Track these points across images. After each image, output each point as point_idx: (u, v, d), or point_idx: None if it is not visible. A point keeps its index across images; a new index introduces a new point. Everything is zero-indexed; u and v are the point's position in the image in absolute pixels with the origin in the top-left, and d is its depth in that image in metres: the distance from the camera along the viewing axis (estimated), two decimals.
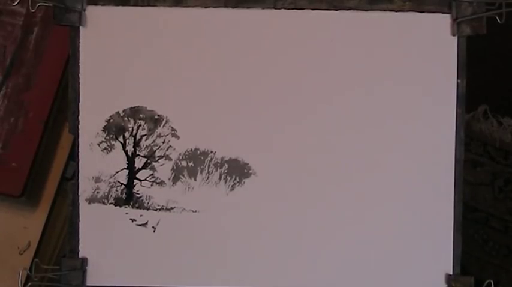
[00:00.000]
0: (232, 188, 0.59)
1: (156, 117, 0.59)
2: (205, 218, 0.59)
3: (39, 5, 0.57)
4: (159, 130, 0.59)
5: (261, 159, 0.59)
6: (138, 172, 0.60)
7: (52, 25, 0.68)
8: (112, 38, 0.59)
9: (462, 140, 0.59)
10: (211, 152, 0.59)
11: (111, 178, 0.59)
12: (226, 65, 0.59)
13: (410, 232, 0.59)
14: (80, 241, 0.59)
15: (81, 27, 0.59)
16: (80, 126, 0.59)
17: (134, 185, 0.60)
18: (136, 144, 0.60)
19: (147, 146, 0.60)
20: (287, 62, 0.59)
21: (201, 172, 0.59)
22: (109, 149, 0.59)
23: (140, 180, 0.60)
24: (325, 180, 0.59)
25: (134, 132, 0.59)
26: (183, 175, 0.60)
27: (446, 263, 0.59)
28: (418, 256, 0.59)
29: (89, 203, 0.59)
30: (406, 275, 0.59)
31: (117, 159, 0.59)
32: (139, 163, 0.60)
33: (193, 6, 0.59)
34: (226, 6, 0.59)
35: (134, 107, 0.59)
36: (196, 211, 0.59)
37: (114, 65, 0.59)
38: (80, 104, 0.59)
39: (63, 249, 0.71)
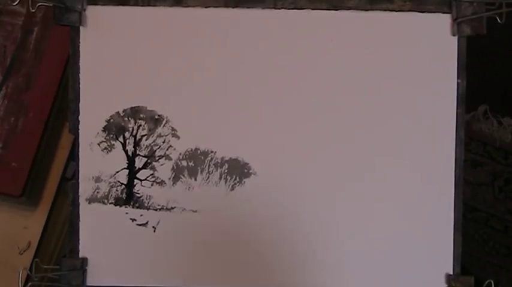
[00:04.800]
0: (233, 188, 0.59)
1: (156, 117, 0.59)
2: (205, 218, 0.59)
3: (39, 5, 0.57)
4: (159, 130, 0.59)
5: (261, 159, 0.59)
6: (138, 171, 0.60)
7: (52, 25, 0.68)
8: (112, 38, 0.59)
9: (462, 140, 0.59)
10: (212, 152, 0.59)
11: (111, 177, 0.59)
12: (226, 65, 0.59)
13: (410, 232, 0.59)
14: (80, 241, 0.59)
15: (81, 27, 0.59)
16: (80, 126, 0.59)
17: (134, 185, 0.60)
18: (136, 144, 0.60)
19: (147, 146, 0.60)
20: (287, 62, 0.59)
21: (201, 172, 0.59)
22: (109, 149, 0.59)
23: (140, 180, 0.60)
24: (325, 180, 0.59)
25: (134, 132, 0.60)
26: (183, 175, 0.60)
27: (446, 263, 0.59)
28: (418, 256, 0.59)
29: (89, 203, 0.59)
30: (406, 275, 0.59)
31: (117, 159, 0.59)
32: (139, 162, 0.60)
33: (193, 6, 0.59)
34: (226, 6, 0.59)
35: (134, 107, 0.59)
36: (196, 211, 0.60)
37: (114, 65, 0.59)
38: (80, 104, 0.59)
39: (63, 249, 0.71)
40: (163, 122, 0.59)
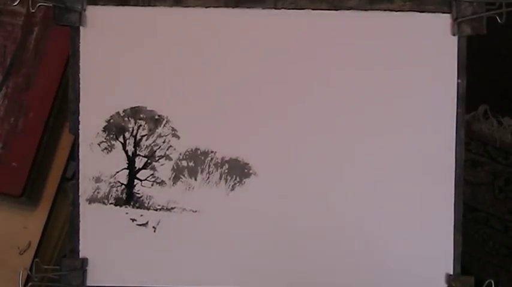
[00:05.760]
0: (233, 188, 0.59)
1: (157, 117, 0.59)
2: (205, 218, 0.59)
3: (39, 5, 0.57)
4: (159, 130, 0.59)
5: (261, 159, 0.59)
6: (139, 172, 0.60)
7: (52, 25, 0.68)
8: (112, 38, 0.59)
9: (462, 140, 0.59)
10: (212, 152, 0.59)
11: (111, 178, 0.59)
12: (226, 65, 0.59)
13: (410, 232, 0.59)
14: (80, 241, 0.59)
15: (81, 27, 0.59)
16: (80, 126, 0.59)
17: (134, 185, 0.60)
18: (136, 144, 0.60)
19: (147, 146, 0.60)
20: (287, 62, 0.59)
21: (202, 172, 0.59)
22: (109, 149, 0.59)
23: (140, 180, 0.60)
24: (325, 180, 0.59)
25: (134, 132, 0.59)
26: (184, 175, 0.60)
27: (446, 263, 0.59)
28: (418, 256, 0.59)
29: (89, 203, 0.59)
30: (406, 275, 0.59)
31: (118, 159, 0.59)
32: (139, 163, 0.60)
33: (193, 6, 0.59)
34: (226, 6, 0.59)
35: (134, 107, 0.59)
36: (196, 211, 0.60)
37: (114, 65, 0.59)
38: (80, 104, 0.59)
39: (64, 249, 0.71)
40: (164, 122, 0.59)
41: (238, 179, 0.59)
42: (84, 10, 0.59)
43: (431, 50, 0.59)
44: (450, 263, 0.59)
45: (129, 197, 0.60)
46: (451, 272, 0.59)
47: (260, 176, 0.59)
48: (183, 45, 0.59)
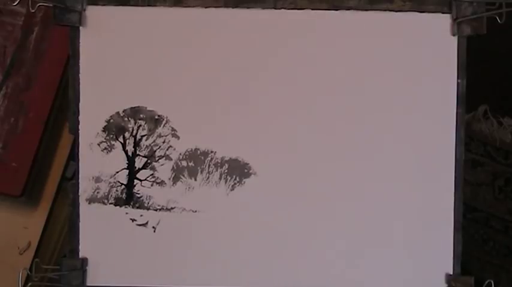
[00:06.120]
0: (233, 188, 0.59)
1: (156, 117, 0.59)
2: (205, 218, 0.59)
3: (39, 5, 0.57)
4: (159, 130, 0.59)
5: (261, 159, 0.59)
6: (138, 172, 0.60)
7: (52, 25, 0.68)
8: (112, 38, 0.59)
9: (462, 140, 0.59)
10: (212, 152, 0.59)
11: (111, 178, 0.59)
12: (226, 65, 0.59)
13: (410, 232, 0.59)
14: (80, 241, 0.59)
15: (81, 27, 0.59)
16: (80, 127, 0.59)
17: (134, 185, 0.60)
18: (136, 144, 0.60)
19: (147, 146, 0.60)
20: (287, 62, 0.59)
21: (201, 172, 0.59)
22: (109, 149, 0.59)
23: (140, 180, 0.60)
24: (325, 180, 0.59)
25: (134, 132, 0.60)
26: (183, 175, 0.60)
27: (446, 263, 0.59)
28: (418, 256, 0.59)
29: (89, 203, 0.59)
30: (406, 275, 0.59)
31: (117, 159, 0.59)
32: (139, 163, 0.60)
33: (193, 6, 0.59)
34: (226, 6, 0.59)
35: (134, 107, 0.59)
36: (196, 211, 0.60)
37: (114, 65, 0.59)
38: (80, 104, 0.59)
39: (63, 249, 0.71)
40: (163, 122, 0.59)
41: (238, 179, 0.59)
42: (84, 10, 0.59)
43: (431, 50, 0.59)
44: (450, 263, 0.59)
45: (129, 197, 0.60)
46: (451, 272, 0.59)
47: (260, 176, 0.59)
48: (183, 45, 0.59)
